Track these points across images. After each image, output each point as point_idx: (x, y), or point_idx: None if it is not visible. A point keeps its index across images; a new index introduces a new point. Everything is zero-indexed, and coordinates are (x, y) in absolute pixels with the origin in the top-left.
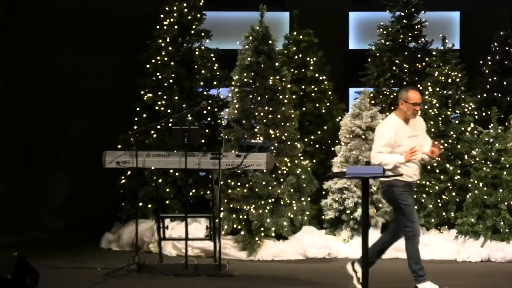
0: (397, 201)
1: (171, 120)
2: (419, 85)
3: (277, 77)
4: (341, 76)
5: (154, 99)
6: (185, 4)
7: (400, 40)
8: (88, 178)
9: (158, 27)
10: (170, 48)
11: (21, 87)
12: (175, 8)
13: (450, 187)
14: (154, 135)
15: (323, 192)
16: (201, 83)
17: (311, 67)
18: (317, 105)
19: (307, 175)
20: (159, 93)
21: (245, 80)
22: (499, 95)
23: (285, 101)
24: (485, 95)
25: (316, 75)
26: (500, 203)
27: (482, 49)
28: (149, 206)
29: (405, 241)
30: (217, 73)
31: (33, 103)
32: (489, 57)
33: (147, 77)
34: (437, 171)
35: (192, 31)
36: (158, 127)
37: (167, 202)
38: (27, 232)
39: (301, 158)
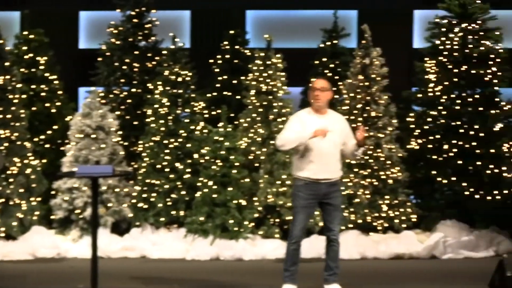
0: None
1: None
2: (149, 84)
3: (7, 77)
4: (72, 76)
5: None
6: None
7: (130, 39)
8: None
9: None
10: None
11: None
12: None
13: (180, 186)
14: None
15: (53, 192)
16: None
17: (42, 67)
18: (48, 104)
19: (37, 175)
20: None
21: None
22: (229, 93)
23: (15, 100)
24: (214, 93)
25: (47, 74)
26: (229, 202)
27: (212, 48)
28: None
29: None
30: None
31: None
32: (219, 56)
33: None
34: (167, 169)
35: None
36: None
37: None
38: None
39: (31, 158)
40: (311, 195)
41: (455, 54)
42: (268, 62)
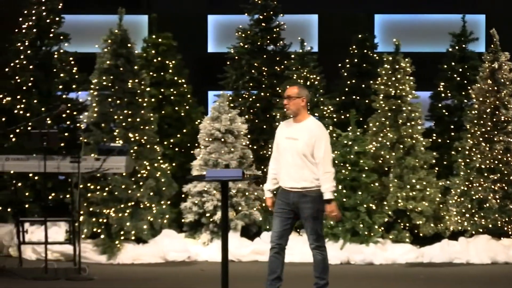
0: None
1: (29, 123)
2: (277, 88)
3: (136, 80)
4: (200, 79)
5: (12, 103)
6: (43, 8)
7: (258, 43)
8: None
9: (17, 30)
10: (28, 52)
11: None
12: (33, 11)
13: None
14: (13, 139)
15: (183, 196)
16: (60, 87)
17: (170, 70)
18: (176, 108)
19: (167, 179)
20: (18, 97)
21: (104, 83)
22: (357, 97)
23: (144, 104)
24: (343, 97)
25: (175, 78)
26: (359, 206)
27: (340, 52)
28: (8, 210)
29: None
30: (76, 76)
31: None
32: (347, 60)
33: (5, 80)
34: None
35: (51, 35)
36: (17, 130)
37: (27, 206)
38: None
39: (161, 161)
40: (283, 203)
41: None
42: (397, 66)
